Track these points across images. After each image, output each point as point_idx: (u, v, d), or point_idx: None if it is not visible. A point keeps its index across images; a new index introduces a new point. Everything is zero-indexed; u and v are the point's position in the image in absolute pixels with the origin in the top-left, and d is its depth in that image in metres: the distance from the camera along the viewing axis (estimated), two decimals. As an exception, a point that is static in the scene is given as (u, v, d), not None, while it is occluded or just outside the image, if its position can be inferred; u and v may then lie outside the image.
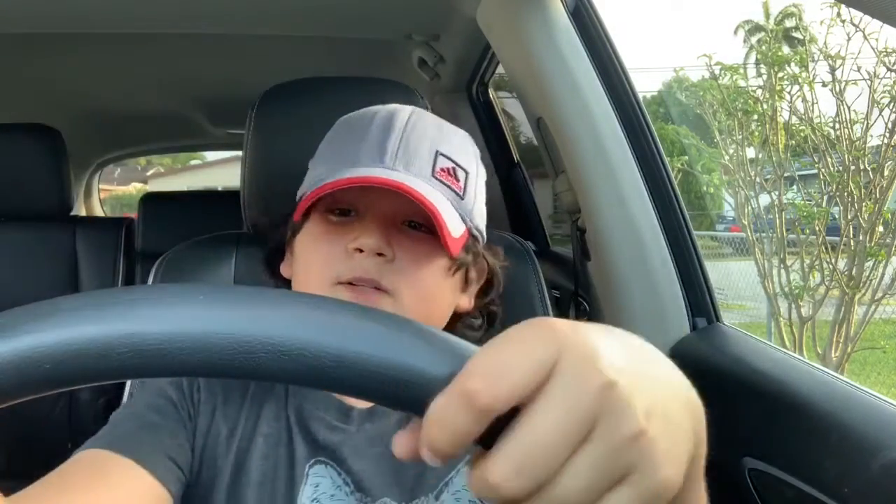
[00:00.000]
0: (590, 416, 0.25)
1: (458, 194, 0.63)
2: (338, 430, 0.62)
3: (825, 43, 3.43)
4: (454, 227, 0.60)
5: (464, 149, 0.67)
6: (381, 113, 0.65)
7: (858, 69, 3.33)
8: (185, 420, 0.60)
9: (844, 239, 3.43)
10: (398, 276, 0.60)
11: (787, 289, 3.73)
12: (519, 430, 0.25)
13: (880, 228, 3.31)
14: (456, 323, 0.70)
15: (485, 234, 0.69)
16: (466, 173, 0.65)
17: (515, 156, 1.87)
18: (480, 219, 0.67)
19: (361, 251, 0.59)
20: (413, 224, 0.62)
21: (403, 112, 0.65)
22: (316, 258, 0.63)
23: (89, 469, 0.52)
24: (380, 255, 0.59)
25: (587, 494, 0.25)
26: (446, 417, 0.25)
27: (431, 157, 0.62)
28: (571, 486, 0.25)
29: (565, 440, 0.25)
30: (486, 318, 0.72)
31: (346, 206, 0.63)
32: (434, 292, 0.63)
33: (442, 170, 0.62)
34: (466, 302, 0.69)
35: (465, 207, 0.64)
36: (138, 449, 0.54)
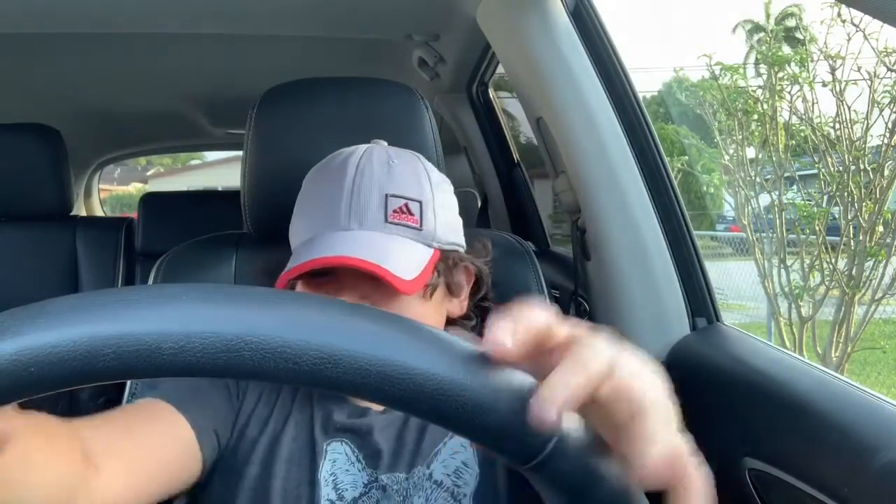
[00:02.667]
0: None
1: (415, 228, 0.69)
2: (354, 419, 0.69)
3: (825, 43, 3.43)
4: (409, 269, 0.66)
5: (413, 179, 0.71)
6: (337, 161, 0.72)
7: (858, 69, 3.33)
8: (232, 400, 0.69)
9: (844, 239, 3.42)
10: None
11: (787, 289, 3.73)
12: None
13: (880, 228, 3.31)
14: (451, 326, 0.76)
15: (462, 241, 0.75)
16: (420, 202, 0.70)
17: (515, 156, 1.87)
18: (451, 233, 0.73)
19: None
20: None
21: (353, 159, 0.71)
22: None
23: (145, 413, 0.61)
24: None
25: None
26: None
27: (382, 203, 0.68)
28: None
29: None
30: (482, 314, 0.78)
31: (321, 270, 0.68)
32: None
33: (394, 211, 0.68)
34: (457, 308, 0.76)
35: (426, 235, 0.69)
36: (189, 408, 0.62)
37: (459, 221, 0.76)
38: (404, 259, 0.66)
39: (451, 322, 0.76)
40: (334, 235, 0.67)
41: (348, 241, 0.66)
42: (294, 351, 0.27)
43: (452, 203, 0.75)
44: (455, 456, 0.67)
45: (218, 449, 0.65)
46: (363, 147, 0.74)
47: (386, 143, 0.76)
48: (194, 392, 0.65)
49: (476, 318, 0.78)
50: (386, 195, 0.69)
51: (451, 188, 0.77)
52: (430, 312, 0.72)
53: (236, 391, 0.70)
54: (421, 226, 0.69)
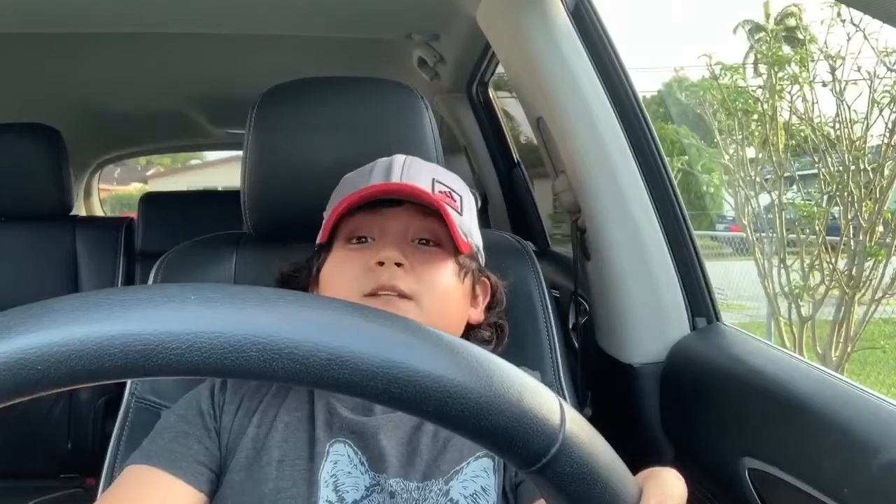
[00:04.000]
0: None
1: (458, 212, 0.72)
2: (360, 416, 0.68)
3: (825, 43, 3.44)
4: (460, 228, 0.69)
5: (455, 180, 0.76)
6: (381, 159, 0.75)
7: (858, 69, 3.33)
8: (210, 426, 0.68)
9: (844, 239, 3.42)
10: (417, 283, 0.68)
11: (787, 289, 3.73)
12: None
13: (880, 228, 3.31)
14: (469, 336, 0.75)
15: (483, 255, 0.78)
16: (461, 197, 0.74)
17: (515, 156, 1.87)
18: (478, 239, 0.76)
19: (382, 264, 0.67)
20: (422, 241, 0.71)
21: (400, 156, 0.74)
22: (341, 278, 0.70)
23: (130, 488, 0.62)
24: (398, 265, 0.67)
25: None
26: None
27: (430, 182, 0.71)
28: None
29: None
30: (496, 332, 0.78)
31: (362, 233, 0.71)
32: (449, 294, 0.70)
33: (440, 192, 0.71)
34: (477, 314, 0.76)
35: (464, 224, 0.72)
36: (171, 460, 0.63)
37: (481, 240, 0.78)
38: (455, 218, 0.69)
39: (469, 329, 0.76)
40: (389, 182, 0.70)
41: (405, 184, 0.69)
42: (301, 352, 0.27)
43: (476, 222, 0.78)
44: (476, 479, 0.65)
45: (216, 478, 0.65)
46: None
47: None
48: (173, 440, 0.65)
49: (492, 332, 0.78)
50: (433, 179, 0.72)
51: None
52: (461, 295, 0.72)
53: (211, 413, 0.69)
54: (461, 213, 0.73)
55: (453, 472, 0.65)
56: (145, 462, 0.63)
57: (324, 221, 0.75)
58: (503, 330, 0.79)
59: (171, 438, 0.66)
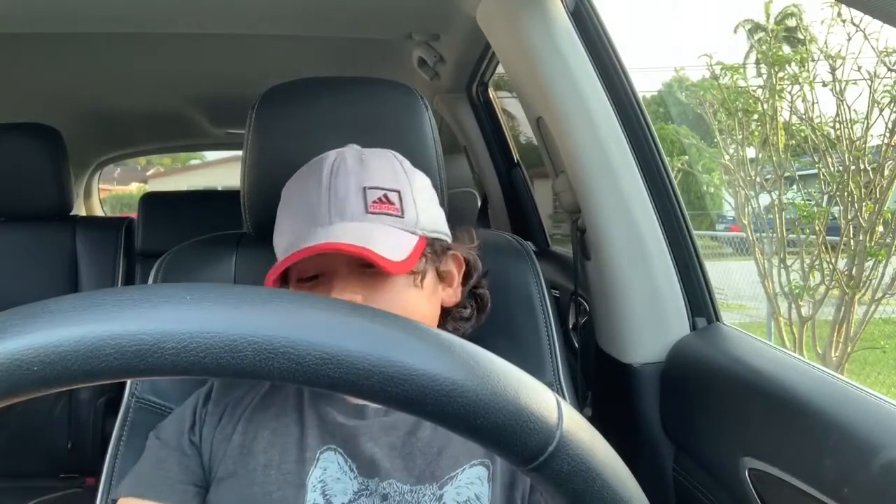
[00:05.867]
0: None
1: (397, 216, 0.69)
2: (352, 421, 0.68)
3: (825, 43, 3.44)
4: (395, 252, 0.66)
5: (388, 171, 0.72)
6: (312, 167, 0.73)
7: (858, 69, 3.33)
8: (186, 443, 0.69)
9: (844, 239, 3.42)
10: None
11: (787, 289, 3.73)
12: None
13: (880, 228, 3.31)
14: (446, 317, 0.75)
15: (446, 230, 0.75)
16: (398, 192, 0.70)
17: (515, 156, 1.87)
18: (432, 222, 0.73)
19: None
20: (369, 263, 0.68)
21: (327, 162, 0.72)
22: None
23: None
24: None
25: None
26: None
27: (360, 196, 0.69)
28: None
29: None
30: (476, 302, 0.78)
31: (312, 273, 0.70)
32: (411, 306, 0.69)
33: (374, 202, 0.69)
34: (451, 295, 0.75)
35: (408, 222, 0.70)
36: (156, 487, 0.65)
37: (441, 212, 0.76)
38: (390, 243, 0.66)
39: (446, 311, 0.75)
40: (316, 231, 0.67)
41: (331, 233, 0.66)
42: (297, 351, 0.27)
43: (431, 194, 0.76)
44: (470, 486, 0.66)
45: (203, 490, 0.67)
46: (335, 151, 0.74)
47: (359, 147, 0.76)
48: (154, 466, 0.67)
49: (471, 306, 0.77)
50: (364, 188, 0.69)
51: (428, 181, 0.76)
52: (423, 300, 0.71)
53: (193, 426, 0.70)
54: (402, 214, 0.69)
55: (447, 477, 0.66)
56: (131, 494, 0.65)
57: (275, 242, 0.74)
58: (483, 299, 0.78)
59: (152, 465, 0.68)
